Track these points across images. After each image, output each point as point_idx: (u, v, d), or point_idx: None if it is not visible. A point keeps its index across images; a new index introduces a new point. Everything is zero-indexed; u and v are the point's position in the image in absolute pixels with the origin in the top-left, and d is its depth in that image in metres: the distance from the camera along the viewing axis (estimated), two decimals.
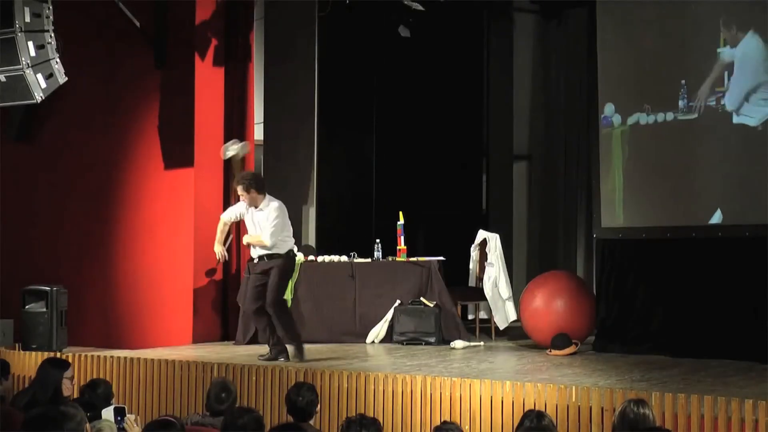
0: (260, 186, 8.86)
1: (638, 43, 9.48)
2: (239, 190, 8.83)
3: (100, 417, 5.72)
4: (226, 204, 10.45)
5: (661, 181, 9.27)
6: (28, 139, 10.92)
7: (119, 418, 5.66)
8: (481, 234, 10.48)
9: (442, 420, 6.49)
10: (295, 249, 10.11)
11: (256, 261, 8.92)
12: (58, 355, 8.36)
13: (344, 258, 10.29)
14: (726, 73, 8.88)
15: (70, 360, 8.39)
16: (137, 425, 5.66)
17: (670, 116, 9.20)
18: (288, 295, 9.87)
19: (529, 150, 13.21)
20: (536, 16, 13.06)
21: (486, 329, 10.41)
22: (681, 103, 9.13)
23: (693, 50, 9.12)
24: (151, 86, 10.25)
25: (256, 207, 8.84)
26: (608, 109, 9.51)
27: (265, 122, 11.50)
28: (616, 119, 9.50)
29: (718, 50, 8.91)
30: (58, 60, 7.90)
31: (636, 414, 4.82)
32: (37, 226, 10.80)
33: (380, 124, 12.33)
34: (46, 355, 8.21)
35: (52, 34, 7.85)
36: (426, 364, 8.26)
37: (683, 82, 9.12)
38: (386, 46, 11.98)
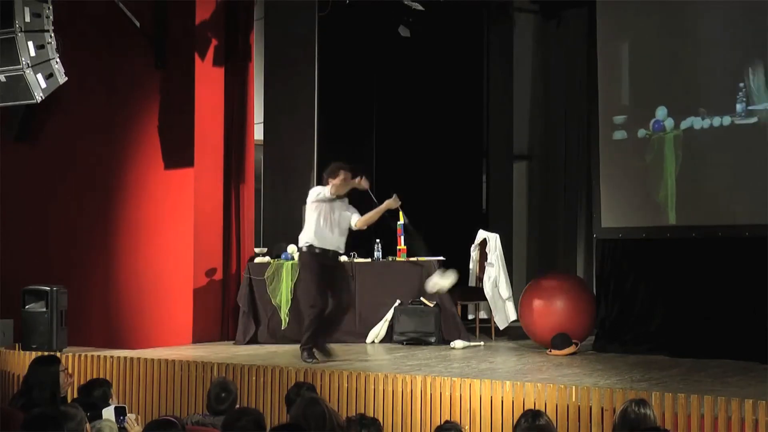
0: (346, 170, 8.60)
1: (638, 43, 9.49)
2: (349, 176, 8.53)
3: (100, 417, 5.72)
4: (226, 203, 10.46)
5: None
6: (28, 139, 10.92)
7: (121, 418, 5.67)
8: (481, 234, 10.48)
9: (442, 420, 6.51)
10: (295, 249, 10.16)
11: (318, 252, 8.54)
12: (57, 354, 8.35)
13: (344, 258, 10.28)
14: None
15: (69, 360, 8.41)
16: (138, 425, 5.67)
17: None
18: (287, 296, 9.88)
19: (529, 150, 13.21)
20: (536, 16, 13.06)
21: (486, 329, 10.41)
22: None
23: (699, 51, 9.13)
24: (151, 86, 10.25)
25: (340, 197, 8.58)
26: (660, 112, 9.39)
27: (265, 122, 11.51)
28: (669, 123, 9.24)
29: None
30: (58, 60, 7.89)
31: (637, 414, 4.83)
32: (37, 226, 10.80)
33: (380, 124, 12.33)
34: (45, 355, 8.20)
35: (52, 34, 7.84)
36: (426, 364, 8.26)
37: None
38: (386, 46, 11.98)
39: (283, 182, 11.44)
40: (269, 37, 11.50)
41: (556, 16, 12.79)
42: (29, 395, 6.39)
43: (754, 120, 8.70)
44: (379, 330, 9.95)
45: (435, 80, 12.44)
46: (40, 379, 6.47)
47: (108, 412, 5.78)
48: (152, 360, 8.37)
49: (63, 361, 7.16)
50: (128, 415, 5.80)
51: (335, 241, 8.61)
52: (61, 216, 10.67)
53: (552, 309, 9.36)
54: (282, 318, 9.92)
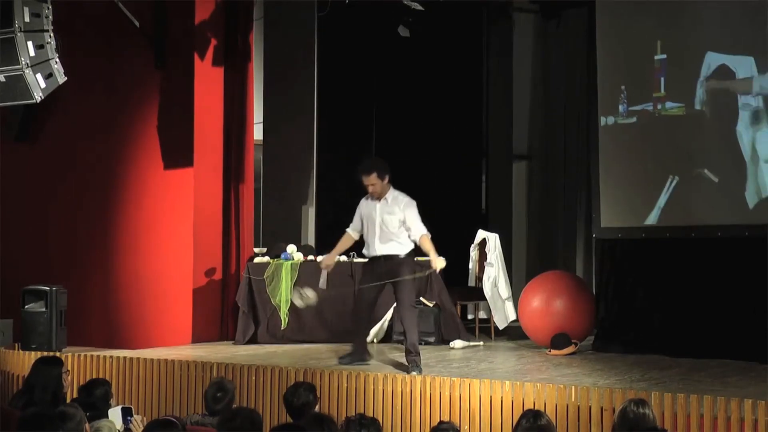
0: (389, 173, 8.03)
1: (639, 42, 9.49)
2: (372, 179, 7.95)
3: (100, 417, 5.74)
4: (226, 203, 10.45)
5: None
6: (27, 139, 10.92)
7: (129, 418, 5.70)
8: (481, 234, 10.48)
9: (440, 419, 6.50)
10: (295, 249, 10.16)
11: (367, 260, 8.24)
12: (58, 354, 8.35)
13: (344, 258, 10.26)
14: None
15: (69, 360, 8.41)
16: (143, 425, 5.68)
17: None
18: (286, 296, 9.87)
19: (529, 150, 13.21)
20: (536, 16, 13.06)
21: (485, 329, 10.41)
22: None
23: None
24: (151, 86, 10.24)
25: (380, 199, 8.02)
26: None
27: (264, 122, 11.51)
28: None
29: None
30: (57, 60, 7.89)
31: (636, 414, 4.83)
32: (36, 226, 10.79)
33: (379, 124, 12.32)
34: (45, 355, 8.19)
35: (52, 34, 7.84)
36: (425, 364, 8.25)
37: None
38: (386, 45, 11.98)
39: (282, 182, 11.44)
40: (269, 37, 11.50)
41: (555, 16, 12.79)
42: (30, 395, 6.40)
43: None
44: (379, 330, 9.95)
45: (435, 80, 12.43)
46: (42, 379, 6.48)
47: (114, 413, 5.80)
48: (152, 360, 8.37)
49: (62, 360, 7.14)
50: (134, 416, 5.82)
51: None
52: (61, 216, 10.66)
53: (551, 309, 9.36)
54: (281, 318, 9.91)
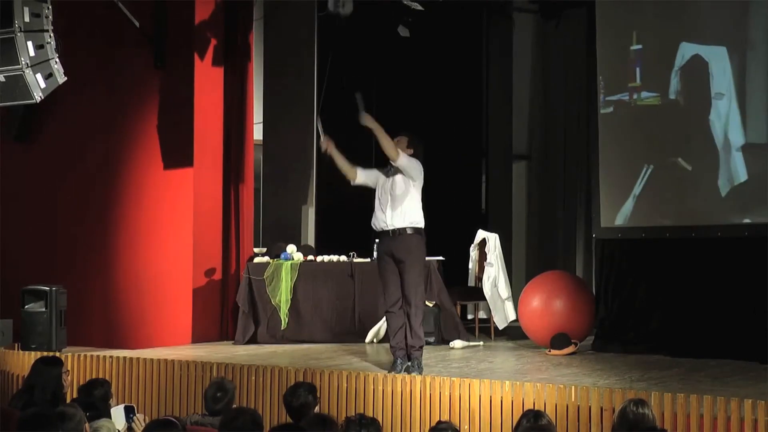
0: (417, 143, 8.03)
1: (638, 42, 9.50)
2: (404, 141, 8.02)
3: (100, 417, 5.74)
4: (226, 203, 10.46)
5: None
6: (27, 139, 10.92)
7: (130, 417, 5.71)
8: (481, 234, 10.48)
9: (439, 419, 6.50)
10: (295, 249, 10.16)
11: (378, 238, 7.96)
12: (57, 354, 8.35)
13: (343, 258, 10.29)
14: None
15: (69, 360, 8.41)
16: (144, 424, 5.69)
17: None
18: (286, 296, 9.87)
19: (529, 150, 13.22)
20: (536, 16, 13.06)
21: (485, 329, 10.42)
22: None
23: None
24: (151, 86, 10.24)
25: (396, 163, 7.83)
26: None
27: (264, 122, 11.51)
28: None
29: None
30: (57, 60, 7.89)
31: (636, 414, 4.82)
32: (36, 226, 10.79)
33: (379, 123, 12.30)
34: (45, 355, 8.19)
35: (52, 34, 7.84)
36: (425, 364, 8.25)
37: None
38: (385, 45, 11.97)
39: (282, 182, 11.44)
40: (269, 37, 11.50)
41: (555, 16, 12.79)
42: (30, 395, 6.40)
43: None
44: (378, 330, 9.95)
45: (434, 80, 12.44)
46: (43, 379, 6.47)
47: (117, 412, 5.81)
48: (152, 360, 8.37)
49: (62, 360, 7.14)
50: (137, 414, 5.83)
51: None
52: (61, 216, 10.66)
53: (551, 309, 9.36)
54: (281, 318, 9.92)
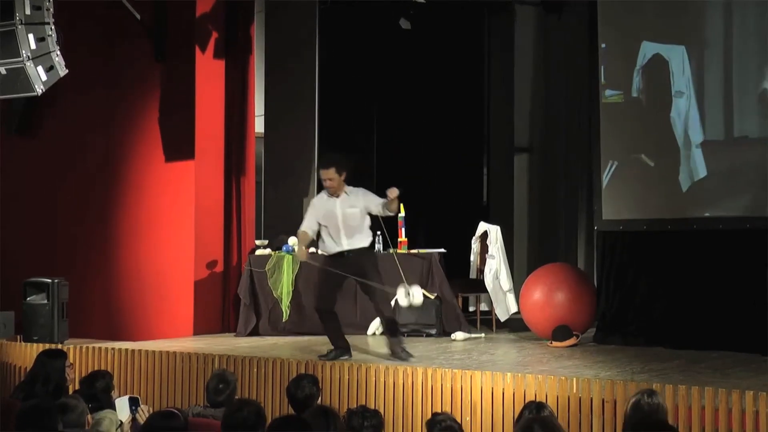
0: (348, 169, 8.01)
1: (639, 34, 9.49)
2: (330, 173, 7.93)
3: (102, 408, 5.75)
4: (227, 196, 10.46)
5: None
6: (28, 132, 10.92)
7: (134, 408, 5.72)
8: (482, 226, 10.48)
9: (439, 411, 6.51)
10: (296, 241, 10.15)
11: (332, 256, 8.13)
12: (59, 347, 8.37)
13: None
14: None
15: (71, 352, 8.42)
16: (148, 415, 5.70)
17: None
18: (288, 288, 9.88)
19: (530, 142, 13.20)
20: (537, 9, 13.04)
21: (487, 321, 10.42)
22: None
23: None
24: (152, 79, 10.25)
25: (338, 196, 8.01)
26: None
27: (265, 115, 11.50)
28: None
29: None
30: (58, 52, 7.89)
31: (651, 405, 4.77)
32: (38, 219, 10.81)
33: (381, 116, 12.33)
34: (47, 347, 8.22)
35: (53, 27, 7.85)
36: (427, 356, 8.27)
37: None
38: (387, 38, 11.97)
39: (283, 175, 11.44)
40: (270, 30, 11.49)
41: (557, 8, 12.77)
42: (32, 387, 6.41)
43: None
44: (380, 322, 9.95)
45: (436, 72, 12.43)
46: (46, 372, 6.49)
47: (122, 402, 5.82)
48: (153, 352, 8.38)
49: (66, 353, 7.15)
50: (141, 406, 5.84)
51: None
52: (62, 208, 10.67)
53: (553, 301, 9.36)
54: (283, 310, 9.92)
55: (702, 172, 8.97)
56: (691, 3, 9.05)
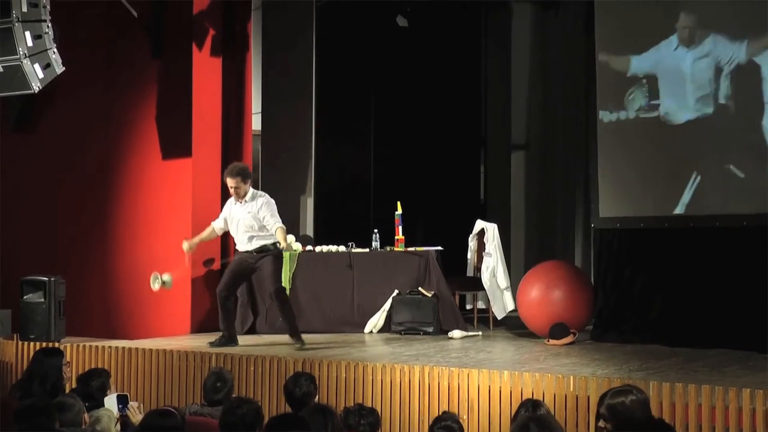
0: (251, 178, 8.97)
1: (636, 31, 9.49)
2: (236, 181, 8.79)
3: (99, 406, 5.74)
4: (225, 193, 10.42)
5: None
6: (26, 129, 10.91)
7: (121, 407, 5.68)
8: (479, 224, 10.48)
9: (440, 410, 6.52)
10: (294, 239, 10.16)
11: (242, 255, 9.00)
12: (56, 345, 8.35)
13: (342, 248, 10.29)
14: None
15: (68, 350, 8.41)
16: (140, 413, 5.68)
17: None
18: (286, 285, 9.88)
19: (527, 140, 13.20)
20: (534, 6, 13.04)
21: (484, 319, 10.42)
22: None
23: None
24: (149, 76, 10.23)
25: (241, 201, 8.86)
26: None
27: (263, 112, 11.49)
28: None
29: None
30: (55, 50, 7.89)
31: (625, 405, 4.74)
32: (35, 217, 10.79)
33: (378, 114, 12.32)
34: (44, 345, 8.21)
35: (50, 24, 7.84)
36: (424, 354, 8.28)
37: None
38: (384, 35, 11.96)
39: (281, 172, 11.43)
40: (267, 27, 11.48)
41: (554, 6, 12.77)
42: (29, 386, 6.40)
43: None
44: (377, 320, 9.96)
45: (433, 70, 12.43)
46: (43, 370, 6.48)
47: (110, 400, 5.79)
48: (150, 350, 8.38)
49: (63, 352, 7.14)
50: (131, 403, 5.81)
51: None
52: (59, 206, 10.66)
53: (550, 299, 9.36)
54: None
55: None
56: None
